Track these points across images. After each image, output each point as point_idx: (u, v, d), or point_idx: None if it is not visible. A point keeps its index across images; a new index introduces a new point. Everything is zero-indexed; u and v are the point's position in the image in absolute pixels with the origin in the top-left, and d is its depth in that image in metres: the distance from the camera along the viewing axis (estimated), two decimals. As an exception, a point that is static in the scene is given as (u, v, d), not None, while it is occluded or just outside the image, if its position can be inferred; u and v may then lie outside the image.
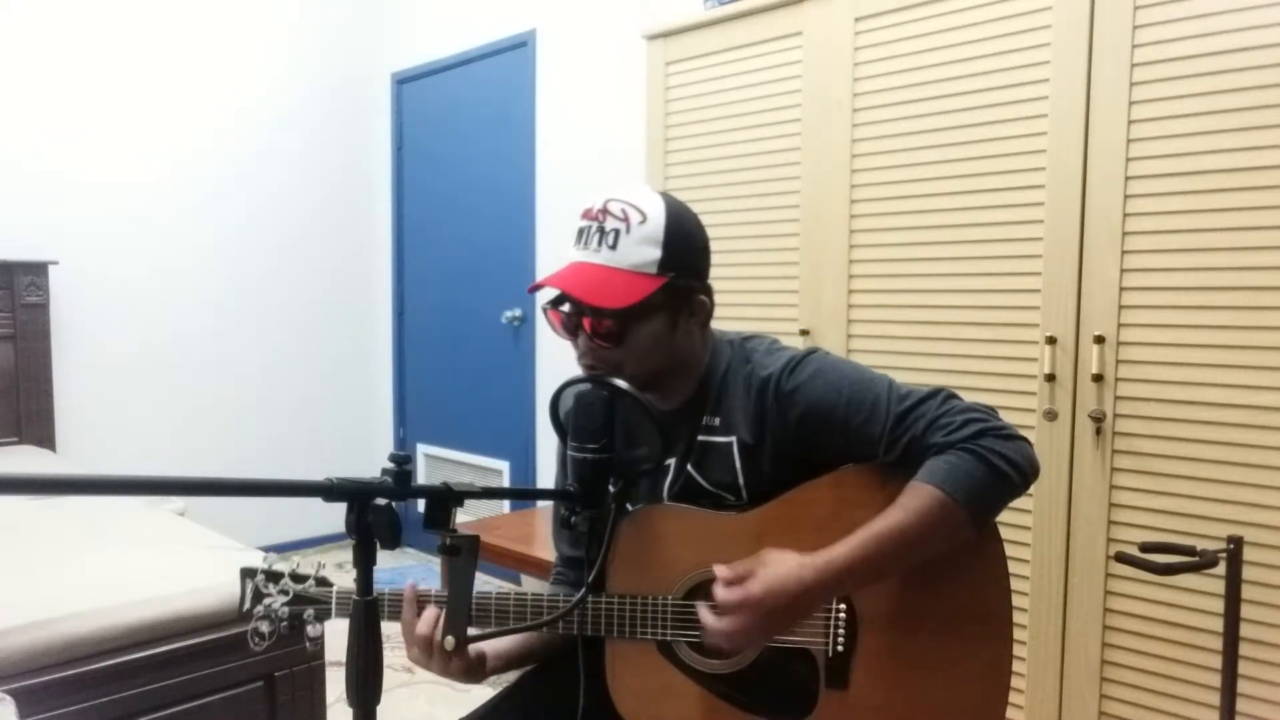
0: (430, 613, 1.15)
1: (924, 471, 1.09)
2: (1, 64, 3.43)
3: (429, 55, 4.16)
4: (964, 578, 1.14)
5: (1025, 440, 1.11)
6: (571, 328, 1.17)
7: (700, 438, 1.23)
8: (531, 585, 2.90)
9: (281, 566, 1.24)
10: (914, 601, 1.15)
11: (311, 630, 1.23)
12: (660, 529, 1.20)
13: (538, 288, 1.15)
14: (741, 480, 1.20)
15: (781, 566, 1.06)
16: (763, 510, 1.18)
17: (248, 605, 1.24)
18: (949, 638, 1.15)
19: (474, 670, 1.20)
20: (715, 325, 1.27)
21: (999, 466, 1.07)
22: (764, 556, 1.09)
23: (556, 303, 1.19)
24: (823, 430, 1.16)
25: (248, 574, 1.25)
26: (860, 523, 1.11)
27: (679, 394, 1.24)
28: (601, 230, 1.14)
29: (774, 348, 1.24)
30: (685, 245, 1.16)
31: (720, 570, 1.08)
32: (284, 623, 1.22)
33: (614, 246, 1.13)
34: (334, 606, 1.24)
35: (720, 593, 1.06)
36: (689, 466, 1.23)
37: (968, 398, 1.16)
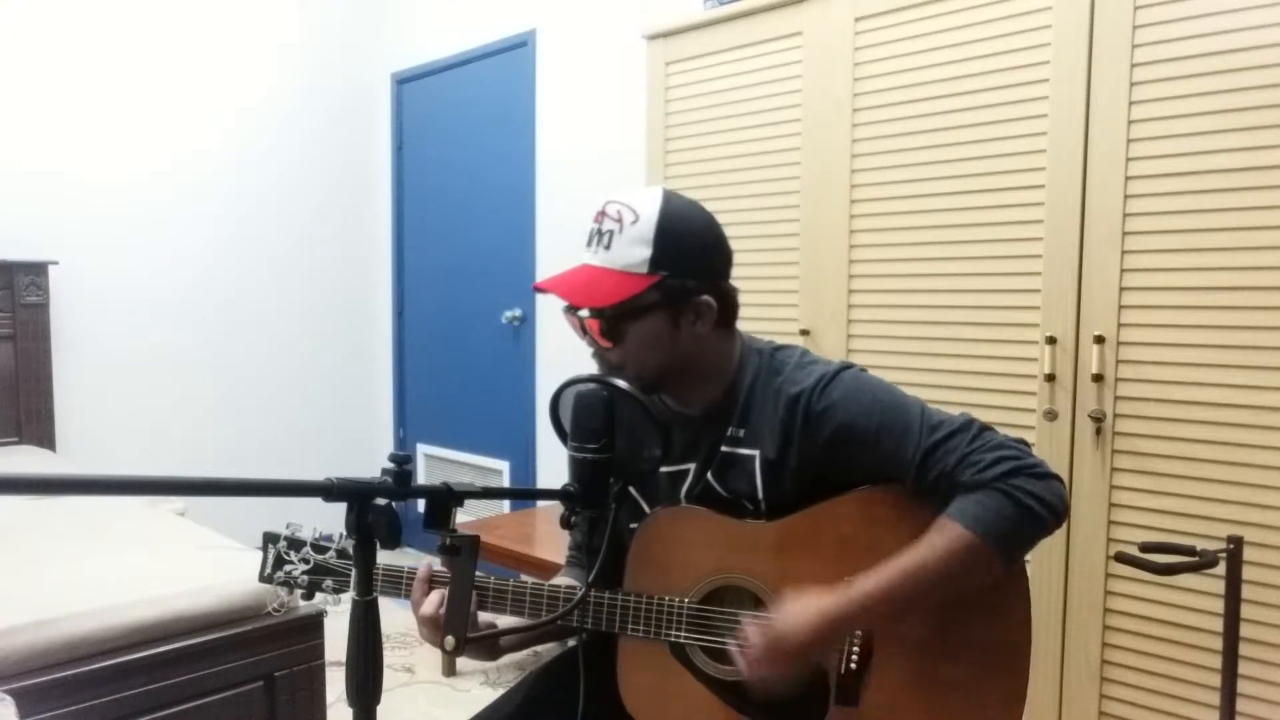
0: (435, 594, 1.17)
1: (954, 509, 1.08)
2: (1, 64, 3.43)
3: (429, 55, 4.16)
4: (985, 607, 1.13)
5: (1058, 479, 1.10)
6: (581, 329, 1.18)
7: (724, 448, 1.22)
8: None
9: (304, 535, 1.27)
10: (932, 626, 1.14)
11: (330, 601, 1.25)
12: (681, 531, 1.21)
13: (537, 290, 1.18)
14: (761, 494, 1.20)
15: (803, 610, 1.08)
16: (786, 521, 1.18)
17: (269, 570, 1.26)
18: (964, 666, 1.13)
19: (484, 652, 1.22)
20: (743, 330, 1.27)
21: (1031, 507, 1.06)
22: (783, 603, 1.10)
23: (573, 306, 1.20)
24: (851, 452, 1.15)
25: (270, 539, 1.27)
26: (884, 542, 1.11)
27: (702, 399, 1.24)
28: (600, 232, 1.16)
29: (804, 361, 1.23)
30: (680, 244, 1.15)
31: (745, 632, 1.10)
32: (302, 590, 1.25)
33: (608, 247, 1.15)
34: (354, 590, 1.25)
35: (750, 634, 1.09)
36: (709, 475, 1.23)
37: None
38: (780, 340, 1.30)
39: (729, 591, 1.19)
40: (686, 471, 1.25)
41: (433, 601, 1.16)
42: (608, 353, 1.18)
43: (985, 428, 1.13)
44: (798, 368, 1.21)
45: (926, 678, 1.13)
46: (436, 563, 1.18)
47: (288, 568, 1.25)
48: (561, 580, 1.34)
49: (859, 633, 1.13)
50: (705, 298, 1.18)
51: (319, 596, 1.26)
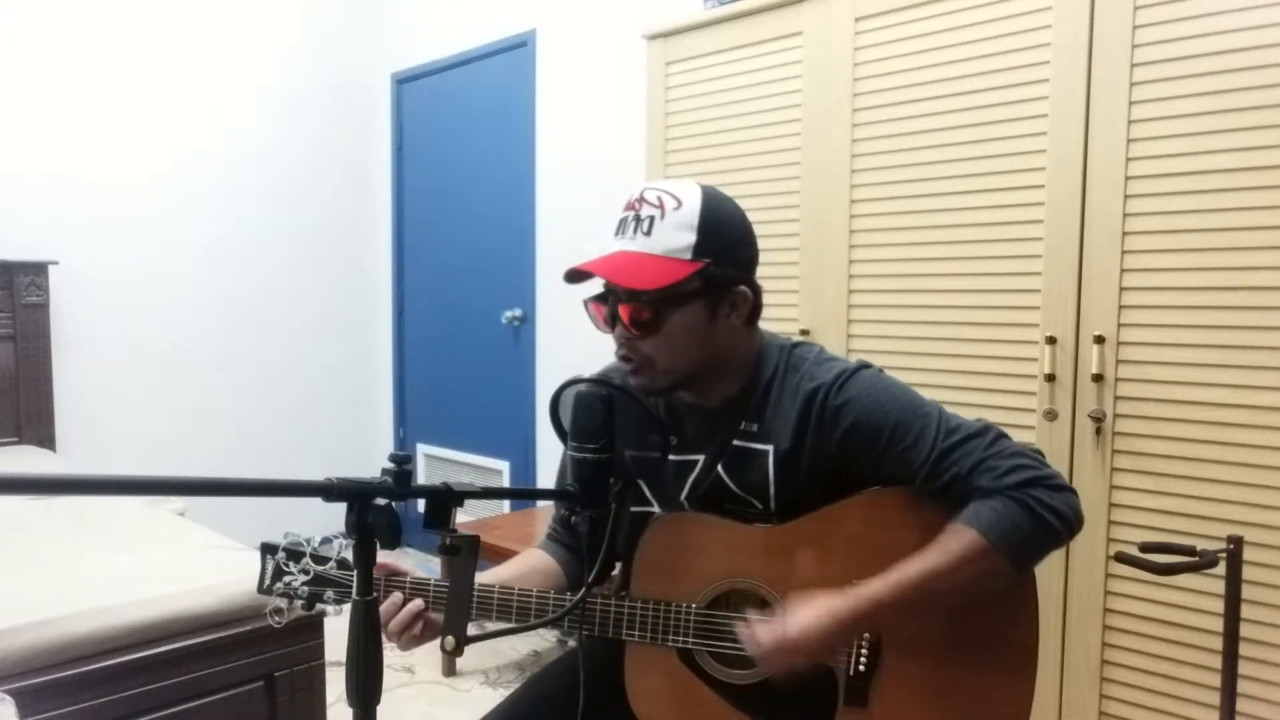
0: (395, 596, 1.16)
1: (968, 514, 1.07)
2: (2, 65, 3.43)
3: (429, 55, 4.16)
4: (994, 608, 1.13)
5: (1073, 491, 1.10)
6: (611, 319, 1.16)
7: (736, 442, 1.22)
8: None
9: (303, 546, 1.23)
10: (940, 628, 1.14)
11: (332, 611, 1.22)
12: (688, 537, 1.20)
13: (573, 274, 1.14)
14: (772, 490, 1.19)
15: (813, 612, 1.07)
16: (793, 525, 1.17)
17: (268, 582, 1.23)
18: (973, 668, 1.13)
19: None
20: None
21: (1046, 519, 1.06)
22: (792, 604, 1.09)
23: (601, 297, 1.18)
24: (865, 449, 1.14)
25: (269, 550, 1.24)
26: (892, 545, 1.10)
27: (720, 392, 1.23)
28: (638, 218, 1.14)
29: (823, 357, 1.22)
30: (723, 232, 1.14)
31: (743, 631, 1.10)
32: (302, 602, 1.21)
33: (649, 233, 1.13)
34: (354, 590, 1.24)
35: (759, 630, 1.08)
36: (719, 468, 1.22)
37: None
38: (827, 349, 1.28)
39: (736, 596, 1.19)
40: (695, 462, 1.25)
41: (388, 612, 1.14)
42: (638, 343, 1.16)
43: (1002, 434, 1.13)
44: (816, 364, 1.21)
45: (935, 679, 1.13)
46: (432, 571, 1.17)
47: (287, 579, 1.22)
48: (539, 560, 1.34)
49: (867, 634, 1.13)
50: (743, 289, 1.17)
51: (320, 606, 1.23)
